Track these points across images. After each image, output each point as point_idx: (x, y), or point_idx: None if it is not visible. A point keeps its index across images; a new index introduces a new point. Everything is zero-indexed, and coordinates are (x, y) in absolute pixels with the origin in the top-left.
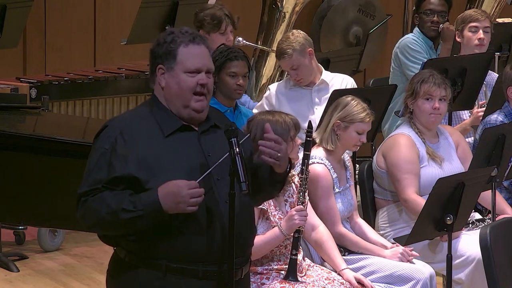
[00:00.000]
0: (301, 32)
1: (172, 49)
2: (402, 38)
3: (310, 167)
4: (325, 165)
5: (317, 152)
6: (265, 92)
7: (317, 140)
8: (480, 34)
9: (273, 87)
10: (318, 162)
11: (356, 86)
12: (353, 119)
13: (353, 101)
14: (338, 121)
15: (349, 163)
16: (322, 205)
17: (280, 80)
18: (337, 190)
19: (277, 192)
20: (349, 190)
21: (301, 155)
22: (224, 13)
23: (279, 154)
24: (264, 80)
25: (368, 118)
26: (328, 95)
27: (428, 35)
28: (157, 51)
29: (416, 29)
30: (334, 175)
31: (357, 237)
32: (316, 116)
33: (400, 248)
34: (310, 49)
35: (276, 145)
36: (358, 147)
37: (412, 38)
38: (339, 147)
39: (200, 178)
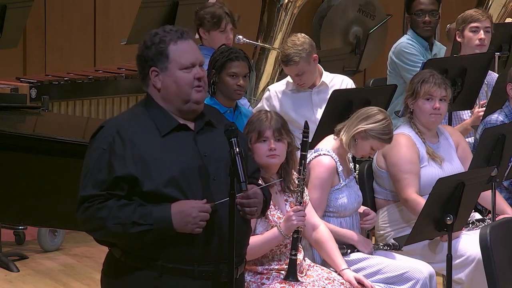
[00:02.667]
0: (306, 36)
1: (162, 49)
2: (397, 43)
3: (317, 158)
4: (332, 157)
5: (325, 145)
6: (264, 93)
7: (341, 131)
8: (481, 34)
9: (272, 88)
10: (324, 154)
11: (354, 87)
12: (375, 136)
13: (385, 120)
14: (363, 130)
15: (349, 155)
16: (311, 194)
17: (280, 78)
18: (343, 183)
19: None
20: (354, 181)
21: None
22: (224, 11)
23: (255, 209)
24: (265, 78)
25: (388, 142)
26: (328, 96)
27: (423, 35)
28: (146, 54)
29: (410, 31)
30: (340, 168)
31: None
32: (317, 117)
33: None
34: (315, 55)
35: (251, 201)
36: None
37: (407, 42)
38: (350, 150)
39: (216, 203)
